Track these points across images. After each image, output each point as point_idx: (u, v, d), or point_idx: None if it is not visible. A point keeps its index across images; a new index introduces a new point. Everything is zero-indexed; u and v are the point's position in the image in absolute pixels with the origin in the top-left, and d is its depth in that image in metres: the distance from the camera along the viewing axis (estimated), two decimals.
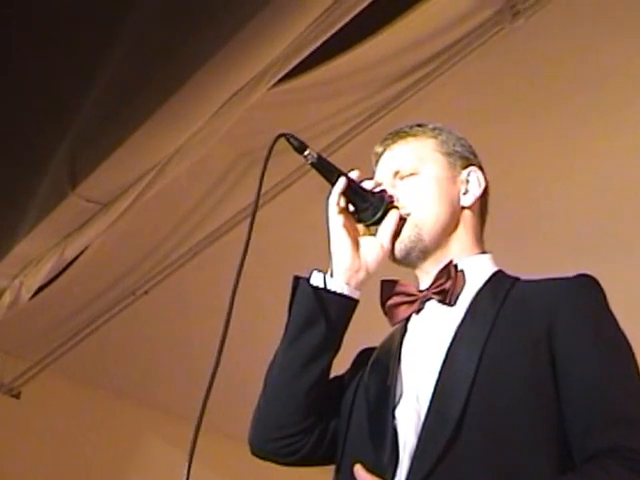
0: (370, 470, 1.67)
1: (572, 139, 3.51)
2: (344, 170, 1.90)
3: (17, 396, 4.74)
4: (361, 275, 1.86)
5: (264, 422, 1.88)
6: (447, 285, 1.83)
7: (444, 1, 3.00)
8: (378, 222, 1.89)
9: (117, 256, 4.02)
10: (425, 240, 1.88)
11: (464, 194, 1.94)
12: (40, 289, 3.83)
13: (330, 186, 1.89)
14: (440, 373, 1.73)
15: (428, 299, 1.85)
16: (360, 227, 1.91)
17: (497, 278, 1.86)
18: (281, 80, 3.06)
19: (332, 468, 1.87)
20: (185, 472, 1.63)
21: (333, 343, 1.84)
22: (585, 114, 3.42)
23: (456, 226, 1.92)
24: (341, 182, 1.88)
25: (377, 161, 2.00)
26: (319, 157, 1.89)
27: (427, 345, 1.80)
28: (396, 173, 1.94)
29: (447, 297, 1.82)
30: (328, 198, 1.89)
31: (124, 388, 4.87)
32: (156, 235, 3.99)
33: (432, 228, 1.89)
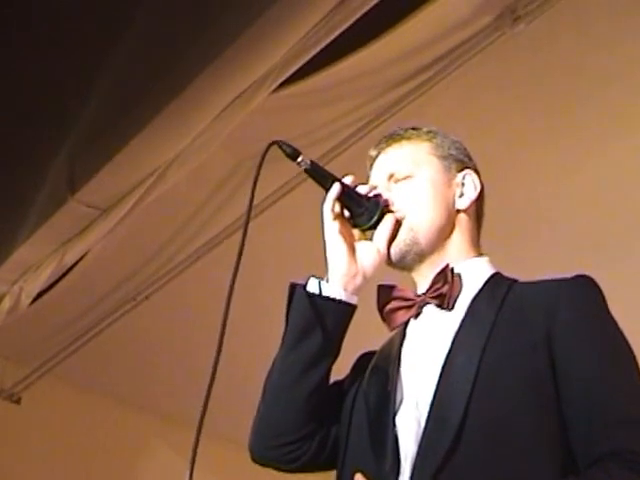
0: (371, 479, 1.67)
1: (573, 143, 3.51)
2: (338, 176, 1.90)
3: (17, 402, 4.74)
4: (358, 280, 1.86)
5: (264, 429, 1.87)
6: (444, 289, 1.82)
7: (445, 6, 3.00)
8: (374, 227, 1.88)
9: (117, 261, 4.02)
10: (421, 243, 1.88)
11: (459, 197, 1.93)
12: (40, 295, 3.83)
13: (325, 192, 1.88)
14: (439, 379, 1.72)
15: (426, 303, 1.84)
16: (356, 232, 1.91)
17: (495, 281, 1.85)
18: (282, 85, 3.06)
19: (334, 474, 1.87)
20: (186, 478, 1.62)
21: (332, 349, 1.83)
22: (586, 118, 3.41)
23: (452, 229, 1.91)
24: (335, 188, 1.87)
25: (371, 165, 1.99)
26: (312, 163, 1.89)
27: (426, 351, 1.80)
28: (391, 176, 1.94)
29: (445, 301, 1.82)
30: (323, 204, 1.88)
31: (125, 393, 4.87)
32: (156, 240, 3.98)
33: (428, 231, 1.88)
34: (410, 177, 1.92)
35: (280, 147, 1.87)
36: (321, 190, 1.90)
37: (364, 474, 1.67)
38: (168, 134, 3.09)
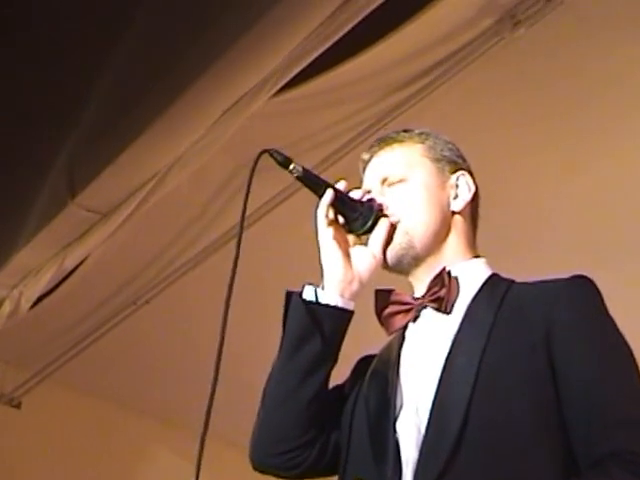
0: None
1: (573, 146, 3.51)
2: (335, 180, 1.90)
3: (18, 406, 4.73)
4: (355, 286, 1.85)
5: (264, 437, 1.86)
6: (442, 293, 1.81)
7: (445, 10, 2.99)
8: (369, 231, 1.88)
9: (117, 266, 4.01)
10: (417, 247, 1.87)
11: (454, 199, 1.92)
12: (40, 299, 3.82)
13: (318, 199, 1.88)
14: (439, 383, 1.72)
15: (424, 307, 1.84)
16: (350, 238, 1.90)
17: (492, 282, 1.84)
18: (282, 89, 3.05)
19: (335, 479, 1.87)
20: None
21: (330, 356, 1.83)
22: (586, 121, 3.41)
23: (447, 232, 1.90)
24: (328, 194, 1.87)
25: (364, 168, 1.99)
26: (304, 170, 1.88)
27: (425, 355, 1.79)
28: (384, 180, 1.93)
29: (443, 305, 1.81)
30: (316, 211, 1.88)
31: (126, 398, 4.86)
32: (157, 245, 3.98)
33: (423, 235, 1.88)
34: (403, 180, 1.92)
35: (271, 155, 1.86)
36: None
37: None
38: (168, 138, 3.09)
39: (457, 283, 1.83)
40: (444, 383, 1.71)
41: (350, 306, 1.84)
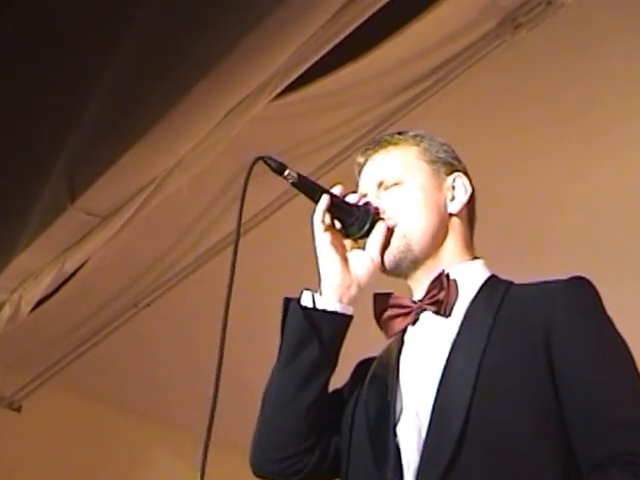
0: None
1: (575, 149, 3.51)
2: (331, 185, 1.90)
3: (18, 410, 4.74)
4: (353, 291, 1.85)
5: (264, 444, 1.86)
6: (441, 296, 1.81)
7: (446, 13, 2.99)
8: (366, 235, 1.88)
9: (118, 269, 4.01)
10: (415, 250, 1.87)
11: (451, 201, 1.92)
12: (40, 302, 3.82)
13: (314, 204, 1.88)
14: (439, 387, 1.72)
15: (423, 310, 1.83)
16: (348, 242, 1.90)
17: (491, 284, 1.84)
18: (283, 92, 3.05)
19: None
20: None
21: (329, 361, 1.83)
22: (587, 125, 3.41)
23: (445, 234, 1.90)
24: (324, 199, 1.87)
25: (360, 172, 1.98)
26: (299, 176, 1.88)
27: (425, 358, 1.79)
28: (380, 184, 1.93)
29: (442, 308, 1.81)
30: (312, 217, 1.88)
31: (126, 401, 4.86)
32: (157, 248, 3.98)
33: (421, 238, 1.87)
34: (399, 183, 1.91)
35: (265, 162, 1.86)
36: None
37: None
38: (168, 141, 3.08)
39: (456, 285, 1.83)
40: (444, 386, 1.71)
41: (349, 311, 1.84)
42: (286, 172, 1.86)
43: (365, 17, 2.75)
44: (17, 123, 3.53)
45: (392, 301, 1.86)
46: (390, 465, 1.70)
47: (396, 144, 1.96)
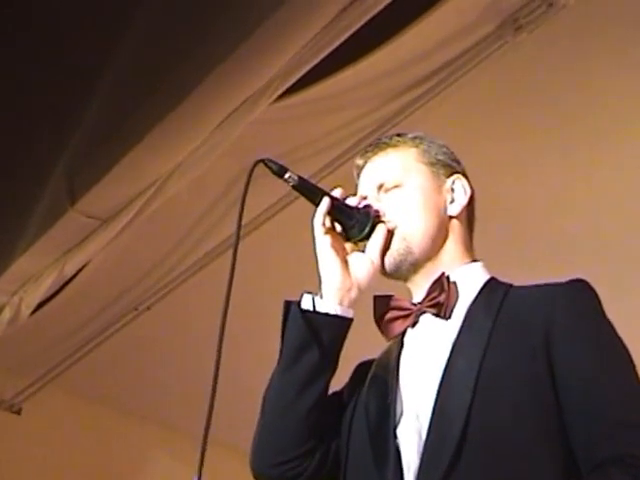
0: None
1: (576, 151, 3.50)
2: (332, 188, 1.90)
3: (18, 412, 4.73)
4: (353, 294, 1.85)
5: (264, 447, 1.86)
6: (441, 298, 1.81)
7: (446, 15, 2.99)
8: (366, 238, 1.88)
9: (118, 272, 4.01)
10: (415, 253, 1.87)
11: (450, 203, 1.92)
12: (40, 305, 3.82)
13: (315, 207, 1.87)
14: (439, 390, 1.72)
15: (423, 312, 1.83)
16: (348, 245, 1.90)
17: (490, 286, 1.84)
18: (283, 95, 3.05)
19: None
20: None
21: (329, 365, 1.83)
22: (588, 127, 3.41)
23: (445, 236, 1.90)
24: (325, 202, 1.87)
25: (359, 174, 1.98)
26: (300, 179, 1.88)
27: (425, 361, 1.79)
28: (380, 186, 1.93)
29: (442, 310, 1.81)
30: (313, 219, 1.87)
31: (127, 404, 4.86)
32: (157, 251, 3.97)
33: (421, 240, 1.87)
34: (399, 186, 1.91)
35: (266, 165, 1.86)
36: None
37: None
38: (168, 144, 3.08)
39: (456, 288, 1.83)
40: (444, 388, 1.71)
41: (349, 314, 1.84)
42: (287, 175, 1.86)
43: (365, 19, 2.75)
44: (17, 123, 3.53)
45: (392, 303, 1.86)
46: (390, 467, 1.70)
47: (395, 146, 1.95)
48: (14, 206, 3.52)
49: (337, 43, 2.82)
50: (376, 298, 1.88)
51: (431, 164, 1.93)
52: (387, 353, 1.90)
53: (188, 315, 4.30)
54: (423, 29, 3.03)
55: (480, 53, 3.12)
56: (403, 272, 1.88)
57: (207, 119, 3.00)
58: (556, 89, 3.30)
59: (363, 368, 1.94)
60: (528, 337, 1.71)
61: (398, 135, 1.98)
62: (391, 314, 1.86)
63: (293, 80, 2.95)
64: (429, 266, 1.87)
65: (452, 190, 1.93)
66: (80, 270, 3.73)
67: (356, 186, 1.98)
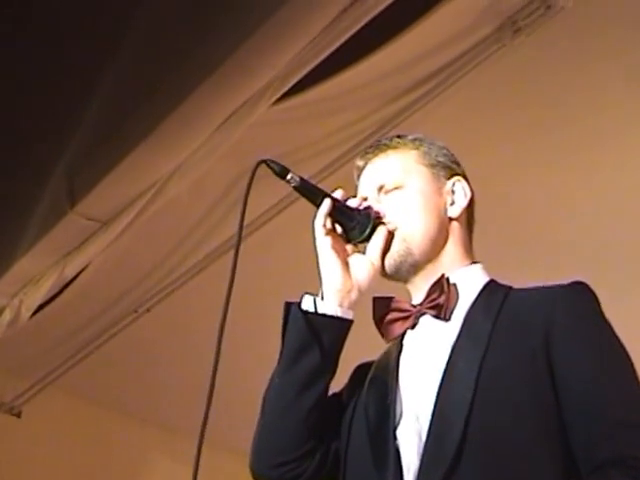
0: None
1: (574, 153, 3.51)
2: (331, 190, 1.90)
3: (18, 415, 4.72)
4: (354, 295, 1.85)
5: (264, 448, 1.86)
6: (441, 300, 1.82)
7: (445, 17, 2.99)
8: (367, 239, 1.88)
9: (118, 274, 4.01)
10: (415, 254, 1.87)
11: (451, 205, 1.93)
12: (40, 307, 3.81)
13: (316, 208, 1.88)
14: (439, 391, 1.72)
15: (422, 314, 1.84)
16: (349, 247, 1.90)
17: (490, 289, 1.85)
18: (282, 97, 3.05)
19: None
20: None
21: (329, 366, 1.83)
22: (587, 128, 3.41)
23: (445, 238, 1.91)
24: (326, 203, 1.87)
25: (359, 175, 1.99)
26: (302, 180, 1.88)
27: (425, 362, 1.79)
28: (380, 188, 1.93)
29: (442, 312, 1.81)
30: (314, 221, 1.88)
31: (127, 406, 4.86)
32: (157, 253, 3.97)
33: (421, 242, 1.88)
34: (400, 187, 1.91)
35: (268, 165, 1.87)
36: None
37: None
38: (168, 146, 3.08)
39: (456, 290, 1.83)
40: (444, 390, 1.71)
41: (349, 315, 1.84)
42: (289, 176, 1.87)
43: (365, 21, 2.76)
44: (17, 123, 3.53)
45: (392, 305, 1.87)
46: (390, 469, 1.70)
47: (395, 148, 1.96)
48: (14, 208, 3.52)
49: (337, 44, 2.83)
50: (376, 300, 1.88)
51: (431, 166, 1.94)
52: (387, 355, 1.90)
53: (188, 317, 4.30)
54: (422, 31, 3.03)
55: (479, 55, 3.12)
56: (403, 273, 1.88)
57: (207, 120, 3.00)
58: (555, 91, 3.31)
59: (362, 370, 1.94)
60: (528, 338, 1.71)
61: (398, 137, 1.98)
62: (391, 316, 1.86)
63: (293, 82, 2.95)
64: (429, 268, 1.88)
65: (452, 192, 1.93)
66: (80, 272, 3.73)
67: (356, 187, 1.98)
